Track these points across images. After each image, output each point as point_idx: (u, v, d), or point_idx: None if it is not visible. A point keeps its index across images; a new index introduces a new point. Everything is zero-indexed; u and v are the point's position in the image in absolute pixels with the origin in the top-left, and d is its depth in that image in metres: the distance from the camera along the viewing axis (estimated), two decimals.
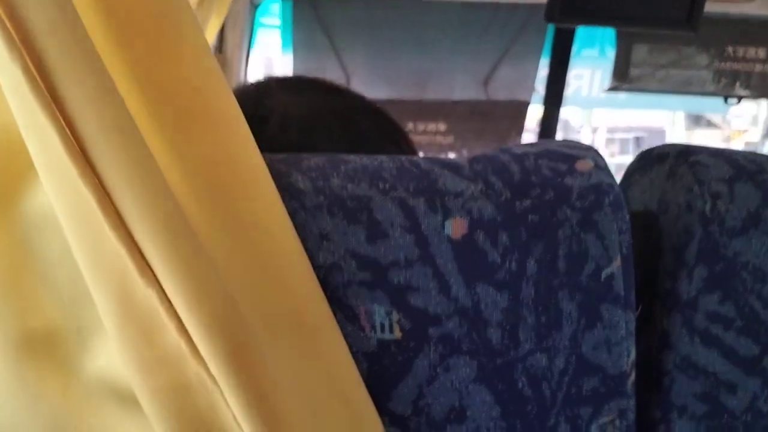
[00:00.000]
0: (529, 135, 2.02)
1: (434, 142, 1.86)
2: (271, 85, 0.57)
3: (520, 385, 0.41)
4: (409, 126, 1.84)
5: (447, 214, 0.40)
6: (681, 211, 0.45)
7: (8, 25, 0.28)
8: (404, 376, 0.41)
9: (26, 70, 0.28)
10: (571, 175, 0.42)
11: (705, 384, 0.45)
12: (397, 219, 0.40)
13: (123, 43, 0.35)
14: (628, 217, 0.42)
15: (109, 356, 0.37)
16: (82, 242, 0.33)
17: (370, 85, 1.77)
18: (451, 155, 1.89)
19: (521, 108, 1.83)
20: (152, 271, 0.31)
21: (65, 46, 0.29)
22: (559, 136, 2.47)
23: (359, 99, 0.58)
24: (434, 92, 1.81)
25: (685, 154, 0.46)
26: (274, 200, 0.38)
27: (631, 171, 0.52)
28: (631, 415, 0.43)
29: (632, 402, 0.43)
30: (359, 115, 0.56)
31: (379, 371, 0.40)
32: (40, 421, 0.37)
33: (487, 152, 0.45)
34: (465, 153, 1.90)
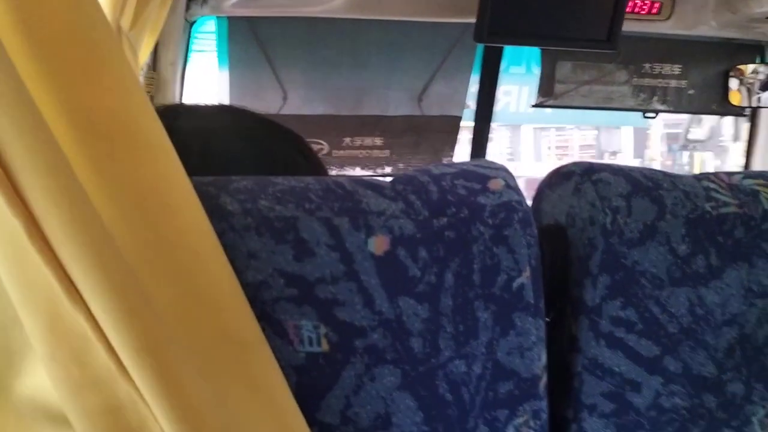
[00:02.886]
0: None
1: (371, 156, 1.90)
2: (183, 110, 0.59)
3: (441, 390, 0.44)
4: (346, 141, 1.87)
5: (370, 232, 0.43)
6: (585, 224, 0.49)
7: None
8: (332, 387, 0.43)
9: None
10: (484, 193, 0.45)
11: (612, 384, 0.49)
12: (322, 238, 0.42)
13: (49, 70, 0.36)
14: (536, 232, 0.45)
15: (39, 378, 0.37)
16: (10, 266, 0.33)
17: (307, 101, 1.79)
18: (388, 169, 1.93)
19: (454, 122, 1.88)
20: (80, 294, 0.33)
21: None
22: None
23: (268, 120, 0.61)
24: (370, 108, 1.85)
25: (589, 172, 0.51)
26: (201, 221, 0.40)
27: (543, 187, 0.55)
28: (544, 416, 0.46)
29: (545, 403, 0.46)
30: (272, 137, 0.59)
31: (308, 383, 0.42)
32: None
33: (409, 172, 0.48)
34: (401, 166, 1.94)
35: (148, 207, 0.38)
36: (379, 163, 1.91)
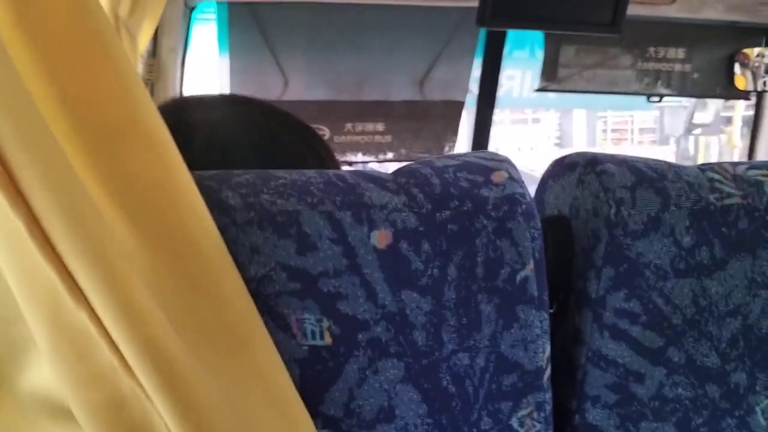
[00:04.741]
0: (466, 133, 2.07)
1: (373, 141, 1.89)
2: (190, 102, 0.59)
3: (444, 383, 0.44)
4: (348, 126, 1.86)
5: (372, 226, 0.43)
6: (589, 216, 0.49)
7: None
8: (335, 380, 0.43)
9: None
10: (487, 186, 0.45)
11: (615, 375, 0.49)
12: (325, 232, 0.42)
13: (49, 66, 0.35)
14: (539, 224, 0.45)
15: (43, 373, 0.38)
16: (12, 263, 0.33)
17: (308, 86, 1.78)
18: (390, 154, 1.93)
19: (456, 108, 1.87)
20: (82, 291, 0.33)
21: None
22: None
23: (278, 111, 0.60)
24: (372, 93, 1.84)
25: (593, 163, 0.50)
26: (203, 216, 0.40)
27: (546, 177, 0.55)
28: (548, 407, 0.46)
29: (548, 395, 0.46)
30: (281, 129, 0.59)
31: (311, 376, 0.42)
32: None
33: (411, 165, 0.47)
34: (403, 152, 1.93)
35: (148, 203, 0.37)
36: (381, 148, 1.90)
